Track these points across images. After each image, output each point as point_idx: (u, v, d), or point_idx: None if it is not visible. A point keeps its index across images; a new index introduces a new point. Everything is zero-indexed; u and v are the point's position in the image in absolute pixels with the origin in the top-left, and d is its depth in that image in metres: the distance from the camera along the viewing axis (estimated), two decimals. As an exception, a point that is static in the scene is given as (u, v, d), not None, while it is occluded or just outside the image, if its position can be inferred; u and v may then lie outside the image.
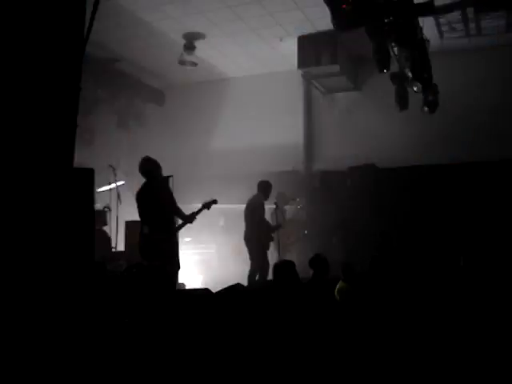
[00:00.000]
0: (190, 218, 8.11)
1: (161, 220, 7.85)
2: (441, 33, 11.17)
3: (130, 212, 8.61)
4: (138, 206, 8.00)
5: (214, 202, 8.37)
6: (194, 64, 11.41)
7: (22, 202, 3.14)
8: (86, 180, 3.89)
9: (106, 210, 9.83)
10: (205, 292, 6.10)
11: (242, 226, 9.82)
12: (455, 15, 10.42)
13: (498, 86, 11.38)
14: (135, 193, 8.12)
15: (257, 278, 9.60)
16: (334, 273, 8.38)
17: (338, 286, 8.28)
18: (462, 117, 11.58)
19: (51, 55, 3.40)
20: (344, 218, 11.59)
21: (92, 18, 3.17)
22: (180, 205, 8.16)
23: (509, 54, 11.53)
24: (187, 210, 8.27)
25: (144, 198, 7.95)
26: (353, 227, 11.38)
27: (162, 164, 8.25)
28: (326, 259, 7.80)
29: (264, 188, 9.95)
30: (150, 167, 8.03)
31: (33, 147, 3.21)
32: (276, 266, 6.79)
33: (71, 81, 3.55)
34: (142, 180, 8.25)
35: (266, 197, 9.92)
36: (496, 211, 10.27)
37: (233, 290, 6.41)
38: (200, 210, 8.22)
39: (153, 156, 8.24)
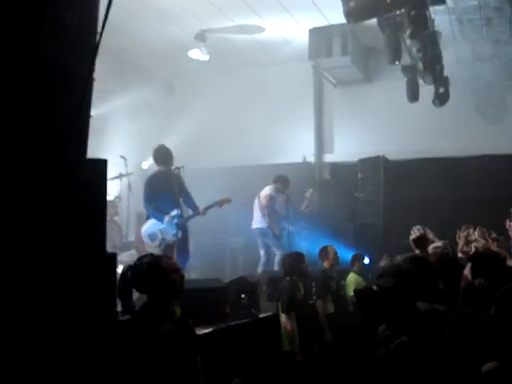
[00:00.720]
0: (201, 211, 8.23)
1: (170, 207, 7.96)
2: (453, 25, 11.08)
3: (141, 202, 8.65)
4: (149, 191, 8.07)
5: (228, 201, 8.52)
6: (206, 55, 11.39)
7: (35, 193, 3.16)
8: (99, 170, 3.90)
9: (117, 200, 9.87)
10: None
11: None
12: (468, 7, 10.34)
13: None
14: (147, 178, 8.25)
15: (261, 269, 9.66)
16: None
17: (349, 278, 8.34)
18: (472, 109, 11.54)
19: (65, 47, 3.42)
20: (354, 209, 11.61)
21: (107, 10, 3.17)
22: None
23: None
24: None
25: (156, 184, 8.06)
26: (363, 219, 11.40)
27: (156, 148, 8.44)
28: (335, 250, 7.85)
29: (276, 180, 10.00)
30: (164, 155, 8.19)
31: (47, 138, 3.23)
32: (285, 257, 6.83)
33: (84, 71, 3.56)
34: (153, 171, 8.36)
35: (280, 189, 9.95)
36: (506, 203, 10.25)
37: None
38: (212, 206, 8.34)
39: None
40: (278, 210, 9.88)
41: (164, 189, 8.08)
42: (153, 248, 7.80)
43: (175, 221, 7.88)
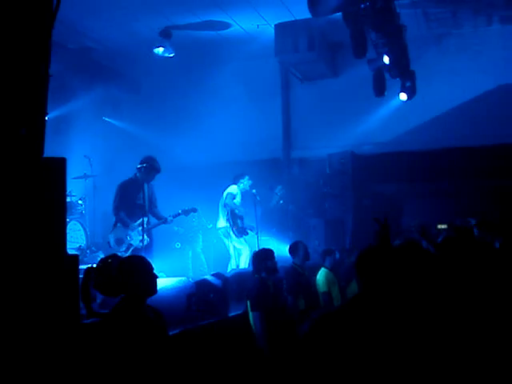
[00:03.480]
0: (166, 221, 8.44)
1: (138, 215, 8.14)
2: (418, 19, 11.13)
3: (107, 203, 8.54)
4: (120, 197, 8.21)
5: (194, 210, 8.75)
6: (171, 52, 11.26)
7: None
8: (57, 170, 3.76)
9: (81, 201, 9.68)
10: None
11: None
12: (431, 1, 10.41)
13: (474, 73, 11.37)
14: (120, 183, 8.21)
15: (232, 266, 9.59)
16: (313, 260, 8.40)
17: (320, 273, 8.29)
18: (440, 102, 11.60)
19: (16, 41, 3.29)
20: (324, 205, 11.61)
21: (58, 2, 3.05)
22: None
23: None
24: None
25: (129, 191, 8.24)
26: (332, 214, 11.40)
27: (139, 153, 8.43)
28: (305, 246, 7.80)
29: (236, 178, 9.94)
30: (152, 165, 8.29)
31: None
32: (255, 255, 6.76)
33: (39, 68, 3.43)
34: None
35: (242, 186, 9.88)
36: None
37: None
38: (178, 215, 8.57)
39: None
40: (241, 208, 9.76)
41: (135, 196, 8.21)
42: (120, 252, 7.86)
43: (141, 228, 8.03)
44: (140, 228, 8.03)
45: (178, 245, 10.97)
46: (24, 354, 3.27)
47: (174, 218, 8.47)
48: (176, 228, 10.68)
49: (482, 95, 11.35)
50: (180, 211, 8.55)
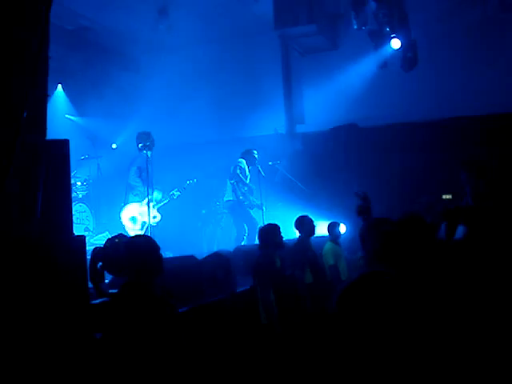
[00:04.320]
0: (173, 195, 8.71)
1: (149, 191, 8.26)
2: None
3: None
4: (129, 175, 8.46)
5: (196, 183, 9.14)
6: (169, 29, 11.17)
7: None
8: (61, 152, 3.76)
9: (86, 183, 9.69)
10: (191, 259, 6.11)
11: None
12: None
13: (477, 39, 11.25)
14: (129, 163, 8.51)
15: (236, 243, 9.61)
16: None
17: (326, 247, 8.31)
18: (442, 72, 11.50)
19: (15, 22, 3.26)
20: (328, 179, 11.59)
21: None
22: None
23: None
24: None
25: (137, 170, 8.45)
26: (336, 189, 11.39)
27: (137, 132, 8.49)
28: (311, 220, 7.80)
29: (243, 154, 9.94)
30: (152, 142, 8.39)
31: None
32: (261, 230, 6.76)
33: (39, 50, 3.41)
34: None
35: (249, 162, 9.89)
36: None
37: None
38: (181, 190, 8.87)
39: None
40: (247, 183, 9.76)
41: (140, 175, 8.41)
42: (136, 230, 8.14)
43: (154, 204, 8.30)
44: (151, 205, 8.19)
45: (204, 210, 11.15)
46: (35, 335, 3.30)
47: (181, 191, 8.74)
48: (204, 211, 10.79)
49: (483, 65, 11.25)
50: (184, 186, 8.82)
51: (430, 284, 3.04)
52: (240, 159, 9.87)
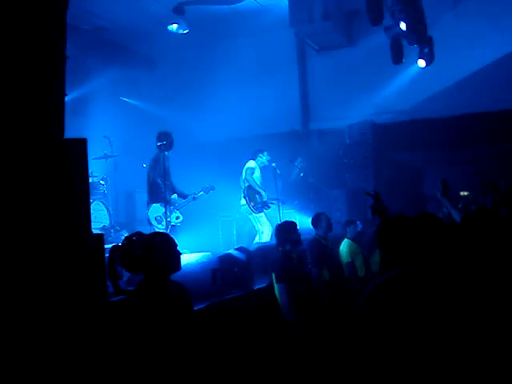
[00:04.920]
0: (194, 198, 8.72)
1: (169, 191, 8.42)
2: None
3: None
4: (150, 174, 8.45)
5: (212, 188, 8.88)
6: (185, 28, 11.19)
7: (9, 178, 3.07)
8: (79, 151, 3.78)
9: (103, 181, 9.74)
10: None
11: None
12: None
13: (493, 36, 11.14)
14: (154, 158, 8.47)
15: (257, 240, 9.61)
16: (336, 231, 8.41)
17: (343, 244, 8.30)
18: (458, 68, 11.41)
19: (32, 24, 3.29)
20: (344, 176, 11.57)
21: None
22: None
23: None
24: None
25: (158, 169, 8.39)
26: (354, 185, 11.37)
27: (158, 131, 8.49)
28: (328, 217, 7.79)
29: (255, 154, 9.93)
30: (170, 141, 8.45)
31: (19, 119, 3.12)
32: (278, 227, 6.76)
33: (56, 50, 3.44)
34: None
35: (260, 162, 9.88)
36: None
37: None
38: (199, 193, 8.77)
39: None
40: (258, 184, 9.74)
41: (161, 174, 8.34)
42: (160, 229, 8.10)
43: (176, 205, 8.44)
44: (174, 205, 8.35)
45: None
46: (54, 333, 3.33)
47: (197, 195, 8.68)
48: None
49: (500, 59, 11.13)
50: (202, 189, 8.74)
51: (458, 280, 3.00)
52: (249, 160, 9.85)
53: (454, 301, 2.81)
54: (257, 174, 9.76)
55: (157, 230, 8.11)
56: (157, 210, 8.32)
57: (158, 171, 8.37)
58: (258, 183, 9.69)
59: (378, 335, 2.74)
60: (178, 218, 8.39)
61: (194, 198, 8.61)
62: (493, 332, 2.80)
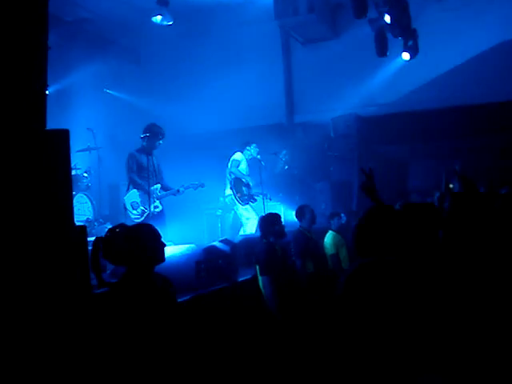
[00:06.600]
0: (178, 191, 8.47)
1: (152, 182, 8.25)
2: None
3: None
4: (134, 162, 8.33)
5: (201, 185, 8.68)
6: (169, 20, 11.11)
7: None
8: (61, 142, 3.75)
9: (86, 174, 9.68)
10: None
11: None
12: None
13: (478, 30, 11.19)
14: (130, 153, 8.39)
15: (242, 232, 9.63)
16: (320, 223, 8.43)
17: (327, 236, 8.32)
18: (443, 61, 11.46)
19: (14, 12, 3.26)
20: (329, 168, 11.59)
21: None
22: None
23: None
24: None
25: (141, 158, 8.30)
26: (338, 178, 11.39)
27: (142, 124, 8.43)
28: (312, 210, 7.81)
29: (242, 146, 9.91)
30: (156, 132, 8.35)
31: None
32: (262, 219, 6.77)
33: (38, 40, 3.41)
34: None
35: (248, 154, 9.87)
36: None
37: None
38: (188, 187, 8.55)
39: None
40: (247, 176, 9.74)
41: (144, 165, 8.26)
42: (135, 215, 8.13)
43: (156, 194, 8.25)
44: (154, 195, 8.19)
45: (219, 212, 11.10)
46: (36, 326, 3.31)
47: (185, 189, 8.52)
48: (221, 198, 10.73)
49: (485, 52, 11.19)
50: (190, 184, 8.59)
51: (432, 270, 3.05)
52: (236, 152, 9.84)
53: (422, 285, 2.88)
54: (243, 166, 9.77)
55: (131, 215, 8.13)
56: (134, 195, 8.25)
57: (136, 162, 8.35)
58: (245, 176, 9.70)
59: (358, 316, 2.80)
60: (156, 207, 8.29)
61: (178, 191, 8.51)
62: (463, 315, 2.87)
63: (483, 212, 3.63)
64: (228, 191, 9.73)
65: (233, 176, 9.61)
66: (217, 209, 11.16)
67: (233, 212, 10.10)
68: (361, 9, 8.69)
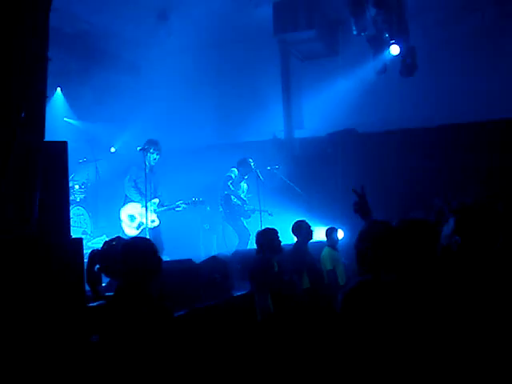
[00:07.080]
0: (178, 206, 8.63)
1: (150, 196, 8.39)
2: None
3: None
4: (134, 176, 8.46)
5: (202, 202, 8.88)
6: (169, 34, 11.18)
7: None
8: (59, 153, 3.75)
9: (84, 186, 9.67)
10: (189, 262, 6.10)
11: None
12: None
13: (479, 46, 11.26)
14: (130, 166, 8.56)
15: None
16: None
17: (324, 251, 8.31)
18: (442, 78, 11.51)
19: (15, 24, 3.26)
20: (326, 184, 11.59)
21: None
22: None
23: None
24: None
25: (141, 172, 8.36)
26: (334, 194, 11.38)
27: (142, 138, 8.50)
28: (308, 225, 7.80)
29: (238, 165, 9.93)
30: (158, 147, 8.41)
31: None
32: (258, 234, 6.76)
33: (38, 51, 3.41)
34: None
35: (243, 172, 9.88)
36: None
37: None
38: (188, 204, 8.73)
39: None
40: (240, 192, 9.78)
41: (143, 180, 8.29)
42: (132, 229, 8.24)
43: (154, 208, 8.36)
44: (151, 209, 8.25)
45: (207, 226, 11.07)
46: (31, 338, 3.29)
47: (186, 205, 8.63)
48: (208, 208, 10.69)
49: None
50: (190, 201, 8.67)
51: (432, 288, 3.03)
52: (233, 168, 9.86)
53: (421, 303, 2.86)
54: (240, 182, 9.81)
55: (126, 227, 8.16)
56: (132, 208, 8.30)
57: (129, 182, 8.43)
58: (240, 192, 9.72)
59: (356, 334, 2.79)
60: (153, 221, 8.34)
61: (178, 207, 8.54)
62: (461, 332, 2.86)
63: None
64: (222, 207, 9.76)
65: (225, 192, 9.62)
66: (211, 223, 11.17)
67: (228, 226, 10.12)
68: (360, 26, 8.74)
